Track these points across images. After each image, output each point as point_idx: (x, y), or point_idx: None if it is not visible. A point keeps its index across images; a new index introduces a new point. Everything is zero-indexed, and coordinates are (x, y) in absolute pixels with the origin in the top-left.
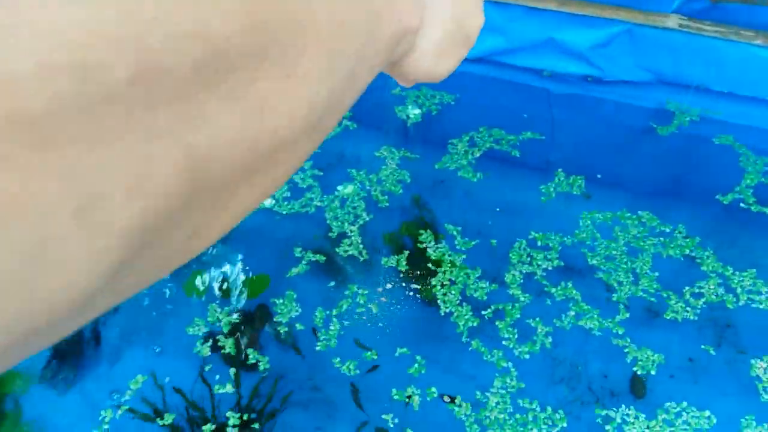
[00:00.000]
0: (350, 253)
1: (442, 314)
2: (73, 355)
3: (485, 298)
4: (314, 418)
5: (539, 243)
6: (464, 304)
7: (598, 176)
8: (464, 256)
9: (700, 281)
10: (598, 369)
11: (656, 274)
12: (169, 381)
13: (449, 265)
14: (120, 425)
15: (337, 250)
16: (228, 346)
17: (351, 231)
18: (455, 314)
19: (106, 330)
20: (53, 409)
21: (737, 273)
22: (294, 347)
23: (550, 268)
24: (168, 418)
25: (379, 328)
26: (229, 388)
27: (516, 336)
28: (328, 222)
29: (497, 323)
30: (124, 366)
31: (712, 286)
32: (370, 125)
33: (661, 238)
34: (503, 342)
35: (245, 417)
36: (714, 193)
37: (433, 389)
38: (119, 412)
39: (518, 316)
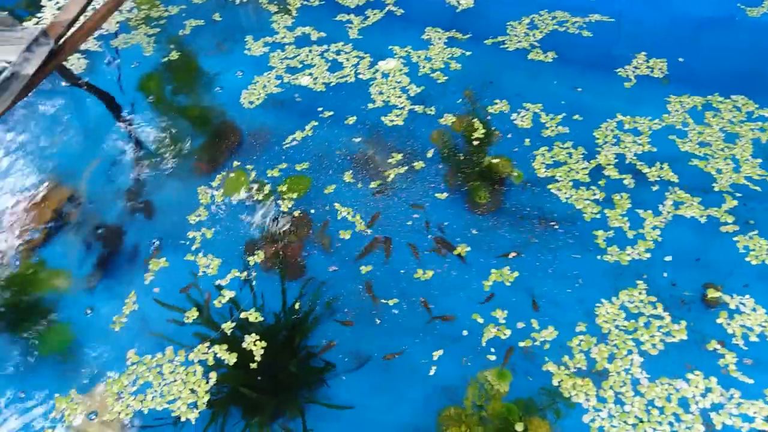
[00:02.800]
0: (395, 123)
1: (562, 201)
2: (107, 259)
3: (588, 179)
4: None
5: (627, 126)
6: (581, 187)
7: (680, 60)
8: (554, 134)
9: None
10: (693, 267)
11: (759, 160)
12: (211, 281)
13: (545, 147)
14: (149, 315)
15: (382, 119)
16: (267, 253)
17: (400, 103)
18: (573, 197)
19: (140, 232)
20: (82, 311)
21: None
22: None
23: (640, 152)
24: (192, 315)
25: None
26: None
27: (628, 226)
28: (372, 96)
29: (606, 212)
30: (164, 267)
31: None
32: (416, 12)
33: (760, 123)
34: (615, 235)
35: (287, 318)
36: None
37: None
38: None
39: (628, 205)
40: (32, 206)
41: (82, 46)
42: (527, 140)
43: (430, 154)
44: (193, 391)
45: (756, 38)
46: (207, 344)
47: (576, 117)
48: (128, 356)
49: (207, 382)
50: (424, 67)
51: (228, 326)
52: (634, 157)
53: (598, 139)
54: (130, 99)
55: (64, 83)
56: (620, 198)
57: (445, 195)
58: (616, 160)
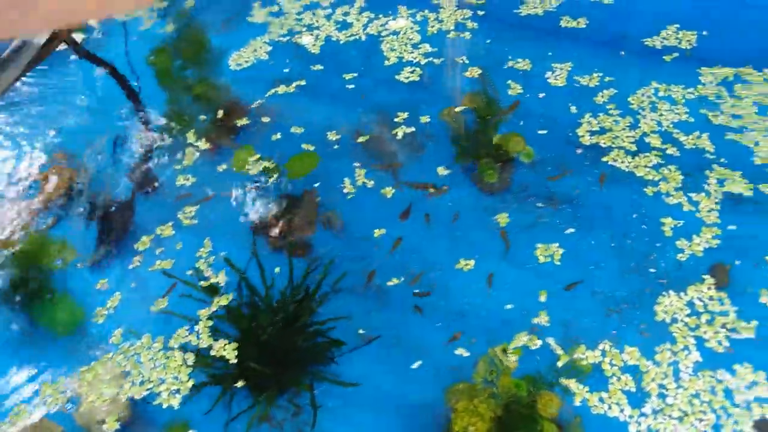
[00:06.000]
0: (411, 79)
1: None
2: (118, 237)
3: (635, 148)
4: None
5: (661, 93)
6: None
7: (704, 33)
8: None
9: None
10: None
11: None
12: (216, 259)
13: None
14: (151, 292)
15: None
16: (274, 231)
17: (414, 59)
18: (634, 163)
19: (145, 209)
20: (95, 290)
21: None
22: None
23: (677, 121)
24: (194, 290)
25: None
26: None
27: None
28: (384, 53)
29: (660, 186)
30: (170, 245)
31: None
32: None
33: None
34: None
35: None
36: None
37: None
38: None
39: (680, 177)
40: (38, 181)
41: (92, 19)
42: (573, 107)
43: (437, 130)
44: (176, 378)
45: None
46: (210, 321)
47: (608, 79)
48: (114, 334)
49: (210, 363)
50: (433, 26)
51: (217, 303)
52: (671, 125)
53: (632, 104)
54: (138, 74)
55: (73, 56)
56: (669, 171)
57: (450, 171)
58: (658, 128)
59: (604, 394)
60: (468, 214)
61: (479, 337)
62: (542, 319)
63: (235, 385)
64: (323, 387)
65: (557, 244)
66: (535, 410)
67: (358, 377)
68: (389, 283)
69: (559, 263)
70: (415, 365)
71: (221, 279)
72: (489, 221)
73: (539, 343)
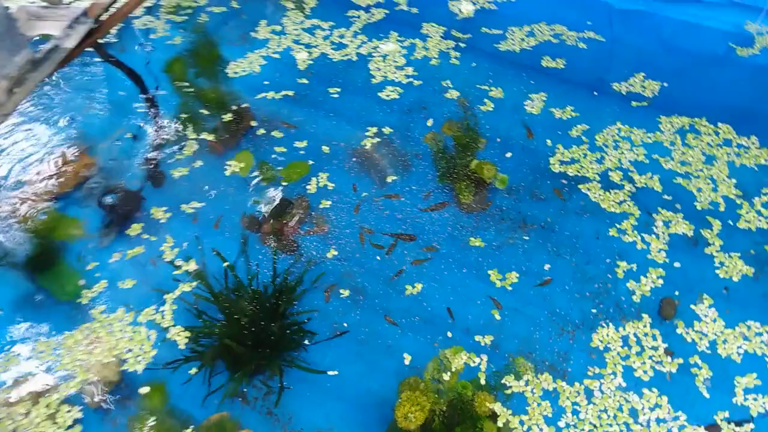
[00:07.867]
0: (392, 97)
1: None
2: (126, 221)
3: (598, 178)
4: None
5: (624, 134)
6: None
7: (665, 84)
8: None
9: None
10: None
11: (734, 180)
12: (209, 250)
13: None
14: (162, 280)
15: (379, 94)
16: (266, 227)
17: (396, 78)
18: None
19: (153, 199)
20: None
21: None
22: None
23: (632, 159)
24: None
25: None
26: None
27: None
28: (371, 72)
29: (622, 224)
30: (169, 233)
31: None
32: (420, 15)
33: (735, 149)
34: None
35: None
36: None
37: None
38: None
39: (632, 226)
40: (58, 169)
41: (116, 28)
42: (548, 141)
43: (420, 150)
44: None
45: (741, 75)
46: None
47: (575, 114)
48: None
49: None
50: (419, 53)
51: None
52: (629, 164)
53: (598, 141)
54: (155, 79)
55: (97, 59)
56: (629, 206)
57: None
58: (619, 164)
59: (524, 416)
60: (447, 231)
61: (440, 341)
62: (486, 339)
63: (213, 362)
64: (294, 372)
65: (519, 269)
66: (474, 409)
67: (327, 366)
68: (360, 288)
69: (513, 287)
70: (380, 361)
71: (210, 267)
72: (463, 240)
73: (478, 360)
